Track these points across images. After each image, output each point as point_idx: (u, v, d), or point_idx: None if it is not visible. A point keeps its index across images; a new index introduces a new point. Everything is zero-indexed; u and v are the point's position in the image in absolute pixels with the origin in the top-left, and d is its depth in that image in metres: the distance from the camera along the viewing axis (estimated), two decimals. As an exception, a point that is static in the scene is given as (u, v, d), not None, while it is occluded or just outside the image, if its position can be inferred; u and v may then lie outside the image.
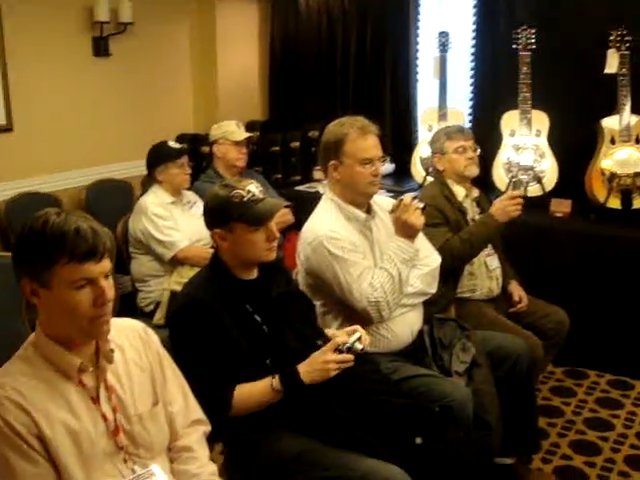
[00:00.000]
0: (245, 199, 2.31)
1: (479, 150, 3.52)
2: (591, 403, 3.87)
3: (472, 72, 5.07)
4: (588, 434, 3.56)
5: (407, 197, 2.71)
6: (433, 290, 2.86)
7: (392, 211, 2.73)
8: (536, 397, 3.36)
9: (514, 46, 4.35)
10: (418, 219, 2.67)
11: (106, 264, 1.72)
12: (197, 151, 5.26)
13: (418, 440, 2.28)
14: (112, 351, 1.81)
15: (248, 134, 4.24)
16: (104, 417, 1.78)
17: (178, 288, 3.45)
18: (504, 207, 3.24)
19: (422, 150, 4.90)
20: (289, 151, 5.45)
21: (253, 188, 2.35)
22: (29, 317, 3.25)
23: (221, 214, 2.34)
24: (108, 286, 1.72)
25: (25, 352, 1.79)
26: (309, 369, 2.23)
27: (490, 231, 3.27)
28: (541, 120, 4.42)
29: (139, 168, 4.97)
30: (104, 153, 5.22)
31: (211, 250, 3.56)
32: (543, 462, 3.30)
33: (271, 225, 2.36)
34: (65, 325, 1.73)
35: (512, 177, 4.31)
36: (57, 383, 1.74)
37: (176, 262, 3.70)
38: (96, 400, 1.78)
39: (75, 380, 1.76)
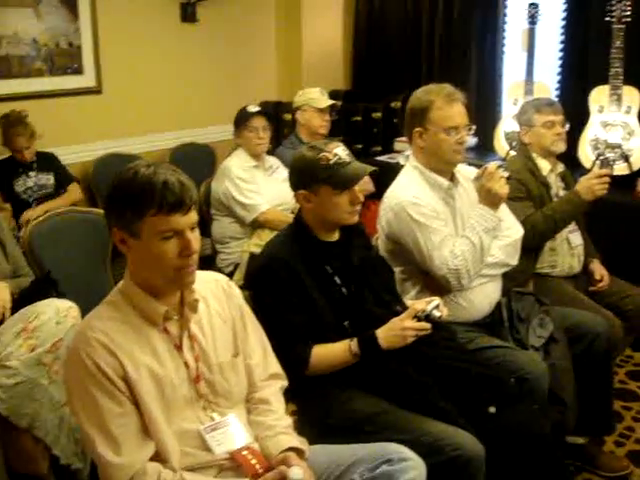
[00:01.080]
0: (332, 162, 2.32)
1: (568, 126, 3.44)
2: (669, 389, 3.78)
3: (561, 45, 4.92)
4: (664, 420, 3.48)
5: (492, 165, 2.69)
6: (514, 262, 2.83)
7: (476, 179, 2.71)
8: (612, 378, 3.29)
9: (607, 18, 4.20)
10: (502, 187, 2.64)
11: (193, 216, 1.76)
12: (279, 118, 5.28)
13: (492, 409, 2.28)
14: (196, 301, 1.87)
15: (332, 101, 4.24)
16: (186, 364, 1.84)
17: (257, 250, 3.50)
18: (590, 185, 3.16)
19: (506, 124, 4.82)
20: (371, 121, 5.44)
21: (340, 151, 2.35)
22: (114, 272, 3.38)
23: (307, 176, 2.35)
24: (194, 238, 1.76)
25: (113, 298, 1.86)
26: (387, 334, 2.24)
27: (574, 209, 3.21)
28: (632, 96, 4.27)
29: (222, 133, 5.08)
30: (189, 117, 5.30)
31: (291, 215, 3.62)
32: (616, 445, 3.24)
33: (356, 189, 2.36)
34: (152, 274, 1.79)
35: (599, 155, 4.18)
36: (143, 329, 1.81)
37: (256, 225, 3.76)
38: (179, 348, 1.85)
39: (160, 327, 1.83)
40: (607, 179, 3.18)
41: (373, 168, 2.41)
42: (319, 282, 2.32)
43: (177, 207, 1.72)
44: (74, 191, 4.47)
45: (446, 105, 2.69)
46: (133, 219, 1.72)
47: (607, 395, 3.09)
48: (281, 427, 1.93)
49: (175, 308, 1.85)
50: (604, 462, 3.05)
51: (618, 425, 3.34)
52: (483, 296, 2.79)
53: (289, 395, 2.19)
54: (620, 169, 4.24)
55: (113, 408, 1.73)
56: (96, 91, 4.88)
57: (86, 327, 1.79)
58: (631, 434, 3.34)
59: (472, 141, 5.16)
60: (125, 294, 1.84)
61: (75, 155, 4.76)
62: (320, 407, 2.31)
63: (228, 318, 1.97)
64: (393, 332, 2.24)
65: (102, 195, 4.65)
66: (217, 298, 1.98)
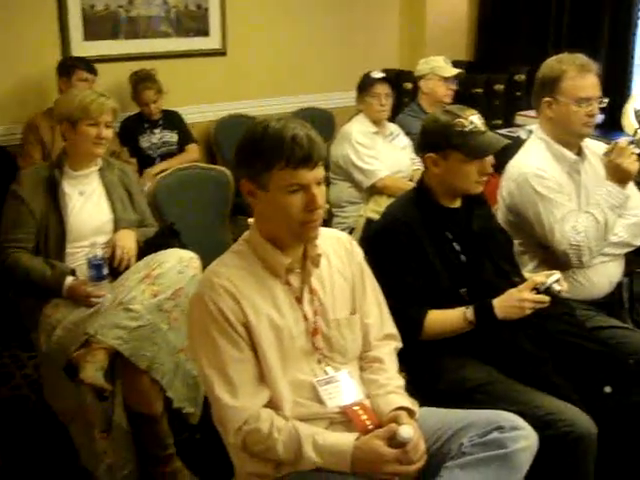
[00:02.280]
0: (466, 129, 2.28)
1: None
2: None
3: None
4: None
5: (623, 141, 2.59)
6: (638, 242, 2.73)
7: (606, 154, 2.62)
8: None
9: None
10: (633, 164, 2.55)
11: (319, 172, 1.78)
12: (400, 87, 5.24)
13: (607, 389, 2.23)
14: (319, 256, 1.89)
15: (457, 70, 4.19)
16: (305, 317, 1.88)
17: (374, 216, 3.53)
18: None
19: (637, 101, 4.62)
20: (492, 94, 5.32)
21: (476, 119, 2.31)
22: (232, 229, 3.47)
23: (439, 139, 2.32)
24: (320, 193, 1.78)
25: (239, 247, 1.91)
26: (504, 304, 2.22)
27: None
28: None
29: (342, 100, 5.09)
30: (310, 82, 5.35)
31: (410, 183, 3.62)
32: None
33: (487, 159, 2.32)
34: (277, 226, 1.83)
35: None
36: (266, 279, 1.85)
37: (374, 191, 3.77)
38: (300, 300, 1.88)
39: (282, 279, 1.87)
40: None
41: (507, 141, 2.36)
42: (438, 247, 2.31)
43: (304, 162, 1.74)
44: (192, 151, 4.60)
45: (579, 75, 2.61)
46: (262, 171, 1.76)
47: None
48: (393, 386, 1.95)
49: (298, 261, 1.89)
50: None
51: None
52: (603, 275, 2.72)
53: (400, 358, 2.20)
54: None
55: (233, 353, 1.78)
56: (221, 53, 4.99)
57: (212, 273, 1.85)
58: None
59: (599, 117, 4.98)
60: (250, 244, 1.89)
61: (198, 115, 4.90)
62: (430, 372, 2.31)
63: (348, 276, 1.99)
64: (510, 303, 2.21)
65: (223, 155, 4.77)
66: (339, 255, 2.00)
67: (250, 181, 1.81)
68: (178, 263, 2.62)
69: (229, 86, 5.01)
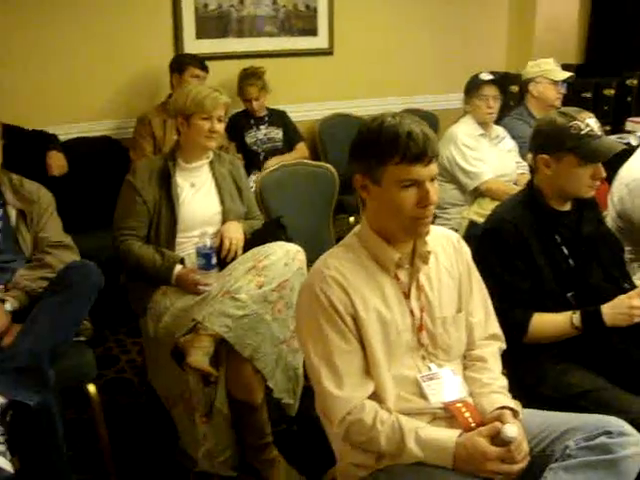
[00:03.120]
0: (582, 132, 2.25)
1: None
2: None
3: None
4: None
5: None
6: None
7: None
8: None
9: None
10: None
11: (433, 168, 1.80)
12: (506, 90, 5.17)
13: None
14: (429, 253, 1.90)
15: (569, 74, 4.10)
16: (412, 313, 1.89)
17: (477, 218, 3.50)
18: None
19: None
20: (602, 98, 5.19)
21: (593, 123, 2.28)
22: (335, 227, 3.51)
23: (553, 141, 2.29)
24: (433, 189, 1.79)
25: (349, 240, 1.95)
26: (613, 311, 2.18)
27: None
28: None
29: (447, 102, 5.07)
30: (414, 84, 5.36)
31: (514, 186, 3.58)
32: None
33: (600, 164, 2.28)
34: (389, 221, 1.85)
35: None
36: (375, 273, 1.88)
37: (477, 193, 3.74)
38: (407, 296, 1.90)
39: (391, 274, 1.89)
40: None
41: (623, 146, 2.31)
42: (546, 250, 2.29)
43: (419, 158, 1.76)
44: (302, 149, 4.67)
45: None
46: (376, 166, 1.78)
47: None
48: (496, 386, 1.94)
49: (407, 257, 1.90)
50: None
51: None
52: None
53: (502, 359, 2.18)
54: None
55: (340, 344, 1.81)
56: (328, 52, 5.05)
57: (322, 265, 1.88)
58: None
59: None
60: (361, 238, 1.92)
61: (303, 113, 4.97)
62: (533, 375, 2.29)
63: (455, 274, 1.99)
64: (620, 310, 2.17)
65: (327, 154, 4.82)
66: (447, 254, 2.00)
67: (364, 176, 1.83)
68: (284, 256, 2.67)
69: (335, 86, 5.07)
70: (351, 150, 1.88)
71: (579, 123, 2.26)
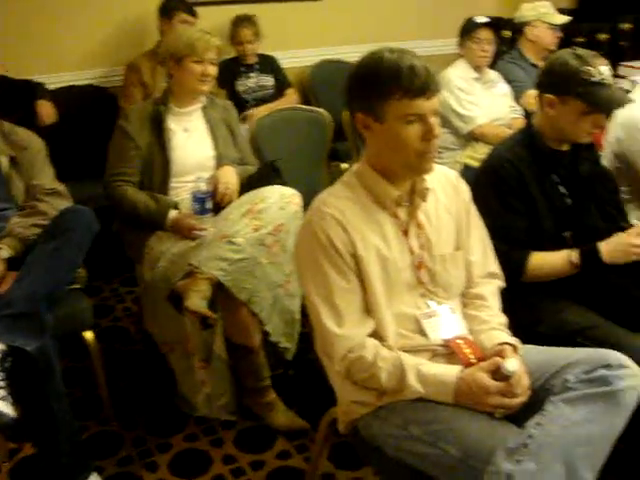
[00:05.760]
0: (594, 79, 2.21)
1: None
2: None
3: None
4: None
5: None
6: None
7: None
8: None
9: None
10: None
11: (435, 102, 1.77)
12: (498, 35, 5.11)
13: None
14: (427, 190, 1.89)
15: (567, 18, 4.05)
16: (411, 250, 1.89)
17: (471, 162, 3.49)
18: None
19: None
20: (595, 43, 5.14)
21: (606, 71, 2.24)
22: (329, 170, 3.49)
23: (563, 82, 2.24)
24: (436, 123, 1.77)
25: (348, 179, 1.93)
26: (612, 248, 2.18)
27: None
28: None
29: (440, 47, 5.00)
30: (405, 29, 5.26)
31: (508, 130, 3.56)
32: None
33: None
34: (391, 158, 1.83)
35: None
36: (374, 211, 1.87)
37: (471, 137, 3.72)
38: (406, 233, 1.89)
39: (390, 211, 1.88)
40: None
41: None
42: (544, 189, 2.28)
43: (422, 91, 1.73)
44: (291, 95, 4.62)
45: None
46: (378, 102, 1.75)
47: None
48: (496, 323, 1.94)
49: (406, 195, 1.89)
50: None
51: None
52: None
53: (501, 299, 2.19)
54: None
55: (340, 282, 1.81)
56: (316, -1, 4.96)
57: (321, 203, 1.87)
58: None
59: None
60: (360, 176, 1.90)
61: (292, 60, 4.90)
62: (531, 314, 2.30)
63: (454, 212, 1.99)
64: (618, 247, 2.18)
65: (317, 99, 4.77)
66: (445, 191, 1.99)
67: (365, 113, 1.80)
68: (280, 199, 2.66)
69: (324, 32, 4.99)
70: (349, 88, 1.84)
71: (592, 69, 2.20)
